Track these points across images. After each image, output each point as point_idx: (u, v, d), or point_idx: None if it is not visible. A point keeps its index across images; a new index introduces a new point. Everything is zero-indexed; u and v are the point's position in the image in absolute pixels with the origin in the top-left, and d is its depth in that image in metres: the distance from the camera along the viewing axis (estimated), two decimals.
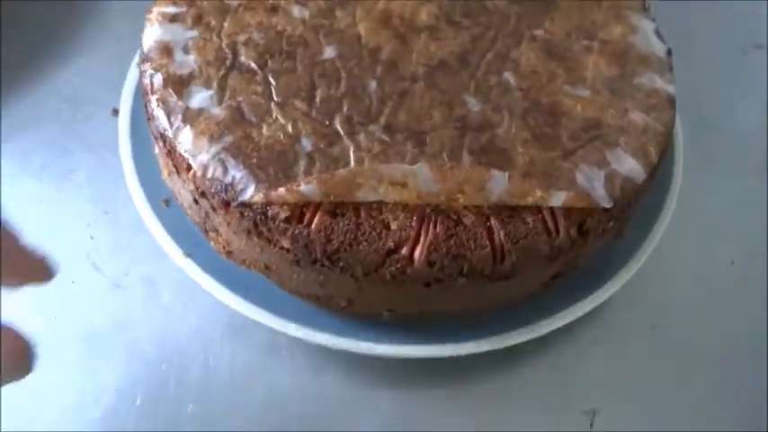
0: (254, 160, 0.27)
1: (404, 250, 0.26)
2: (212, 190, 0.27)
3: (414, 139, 0.27)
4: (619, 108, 0.29)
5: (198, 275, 0.31)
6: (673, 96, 0.30)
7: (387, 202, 0.26)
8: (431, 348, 0.29)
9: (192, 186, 0.28)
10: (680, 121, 0.36)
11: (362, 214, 0.26)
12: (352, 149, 0.27)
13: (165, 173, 0.31)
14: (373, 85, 0.29)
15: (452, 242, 0.26)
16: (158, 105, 0.28)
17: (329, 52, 0.30)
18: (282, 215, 0.26)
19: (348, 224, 0.26)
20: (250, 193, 0.26)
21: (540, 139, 0.28)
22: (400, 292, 0.27)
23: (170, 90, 0.28)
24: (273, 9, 0.31)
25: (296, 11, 0.31)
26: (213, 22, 0.31)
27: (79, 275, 0.35)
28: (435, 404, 0.32)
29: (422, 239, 0.26)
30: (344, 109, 0.28)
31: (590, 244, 0.27)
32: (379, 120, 0.28)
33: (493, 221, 0.26)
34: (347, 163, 0.26)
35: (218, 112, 0.28)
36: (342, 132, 0.28)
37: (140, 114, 0.32)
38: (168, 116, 0.28)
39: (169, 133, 0.28)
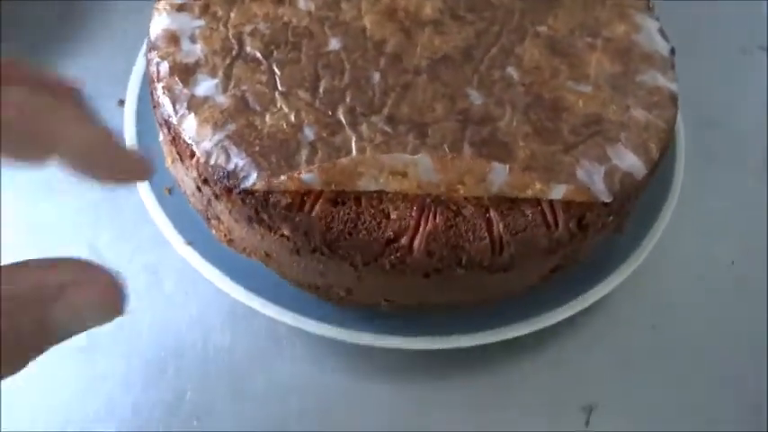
0: (257, 148, 0.27)
1: (403, 240, 0.26)
2: (215, 177, 0.27)
3: (416, 130, 0.28)
4: (620, 104, 0.29)
5: (199, 264, 0.31)
6: (675, 94, 0.30)
7: (387, 191, 0.26)
8: (430, 340, 0.29)
9: (194, 173, 0.28)
10: (681, 120, 0.36)
11: (363, 203, 0.26)
12: (354, 139, 0.27)
13: (168, 160, 0.32)
14: (377, 76, 0.29)
15: (452, 233, 0.26)
16: (164, 93, 0.29)
17: (334, 44, 0.30)
18: (284, 202, 0.26)
19: (348, 213, 0.26)
20: (252, 180, 0.26)
21: (542, 134, 0.28)
22: (399, 282, 0.27)
23: (176, 78, 0.29)
24: (280, 1, 0.32)
25: (302, 3, 0.32)
26: (220, 12, 0.31)
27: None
28: (434, 396, 0.32)
29: (421, 229, 0.26)
30: (348, 100, 0.28)
31: (589, 238, 0.28)
32: (382, 111, 0.28)
33: (492, 213, 0.26)
34: (349, 152, 0.27)
35: (223, 100, 0.28)
36: (344, 122, 0.28)
37: (146, 104, 0.33)
38: (173, 103, 0.28)
39: (173, 120, 0.28)
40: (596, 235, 0.28)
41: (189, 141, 0.28)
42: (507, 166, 0.26)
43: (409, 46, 0.30)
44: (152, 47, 0.30)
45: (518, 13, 0.32)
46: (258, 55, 0.30)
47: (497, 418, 0.32)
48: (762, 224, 0.38)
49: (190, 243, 0.32)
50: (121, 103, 0.36)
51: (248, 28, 0.31)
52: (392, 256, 0.26)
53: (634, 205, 0.30)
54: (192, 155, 0.28)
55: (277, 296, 0.30)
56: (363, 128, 0.28)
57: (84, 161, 0.19)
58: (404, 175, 0.26)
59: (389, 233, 0.26)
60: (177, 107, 0.28)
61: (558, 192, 0.26)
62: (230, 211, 0.28)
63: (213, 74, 0.29)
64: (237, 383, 0.32)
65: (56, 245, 0.36)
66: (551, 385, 0.32)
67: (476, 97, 0.29)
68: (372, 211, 0.26)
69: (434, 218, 0.26)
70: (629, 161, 0.28)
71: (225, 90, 0.29)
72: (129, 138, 0.34)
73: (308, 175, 0.26)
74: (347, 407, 0.32)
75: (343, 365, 0.32)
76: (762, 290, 0.36)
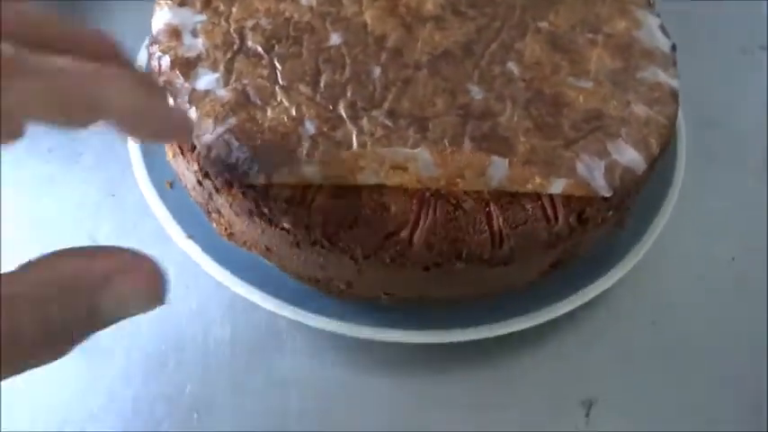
0: (258, 142, 0.27)
1: (403, 233, 0.26)
2: (216, 170, 0.27)
3: (416, 125, 0.28)
4: (621, 100, 0.29)
5: (199, 257, 0.31)
6: (676, 90, 0.30)
7: (387, 185, 0.26)
8: (430, 334, 0.30)
9: (195, 167, 0.28)
10: (682, 118, 0.36)
11: (363, 197, 0.26)
12: (354, 134, 0.27)
13: (169, 154, 0.32)
14: (377, 71, 0.29)
15: (451, 226, 0.26)
16: (165, 87, 0.29)
17: (335, 39, 0.30)
18: (284, 195, 0.26)
19: (349, 206, 0.26)
20: (253, 173, 0.26)
21: (542, 129, 0.28)
22: (399, 275, 0.27)
23: (177, 72, 0.29)
24: None
25: None
26: (222, 7, 0.31)
27: None
28: (434, 390, 0.32)
29: (421, 223, 0.26)
30: (348, 94, 0.29)
31: (589, 232, 0.28)
32: (383, 105, 0.28)
33: (492, 207, 0.26)
34: (350, 147, 0.27)
35: (224, 94, 0.28)
36: (345, 117, 0.28)
37: None
38: (174, 97, 0.28)
39: None
40: (596, 229, 0.28)
41: None
42: (507, 160, 0.26)
43: (410, 41, 0.31)
44: (154, 41, 0.30)
45: (519, 8, 0.32)
46: (259, 49, 0.30)
47: (497, 411, 0.32)
48: (762, 223, 0.38)
49: (190, 237, 0.32)
50: None
51: (250, 23, 0.31)
52: (392, 250, 0.26)
53: (634, 200, 0.30)
54: (193, 148, 0.28)
55: (277, 290, 0.30)
56: (364, 122, 0.28)
57: (131, 122, 0.19)
58: (404, 168, 0.26)
59: (390, 227, 0.26)
60: (178, 101, 0.28)
61: (558, 186, 0.26)
62: (231, 205, 0.28)
63: (214, 68, 0.29)
64: (237, 377, 0.32)
65: (57, 239, 0.36)
66: (551, 379, 0.32)
67: (476, 92, 0.29)
68: (373, 204, 0.26)
69: (434, 211, 0.26)
70: (630, 156, 0.28)
71: (226, 84, 0.29)
72: None
73: (308, 169, 0.26)
74: (347, 401, 0.32)
75: (344, 359, 0.33)
76: (762, 288, 0.36)
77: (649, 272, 0.35)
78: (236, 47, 0.30)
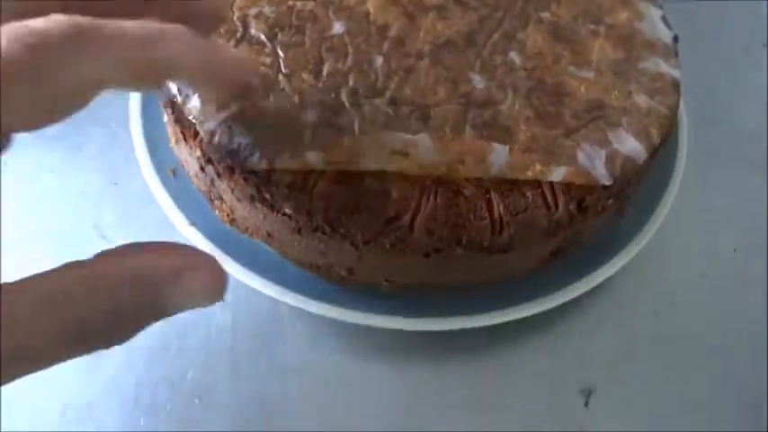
0: (260, 128, 0.27)
1: (404, 219, 0.26)
2: (218, 156, 0.27)
3: (418, 112, 0.28)
4: (623, 90, 0.29)
5: (201, 243, 0.31)
6: (677, 81, 0.30)
7: (389, 171, 0.26)
8: (431, 322, 0.30)
9: (198, 153, 0.28)
10: (685, 114, 0.36)
11: (365, 183, 0.26)
12: (356, 121, 0.27)
13: (172, 140, 0.32)
14: (380, 60, 0.29)
15: (452, 212, 0.26)
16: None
17: (338, 28, 0.30)
18: (286, 181, 0.26)
19: (350, 192, 0.26)
20: (255, 159, 0.26)
21: (543, 118, 0.28)
22: (399, 261, 0.27)
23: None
24: None
25: None
26: None
27: (87, 245, 0.36)
28: (434, 377, 0.32)
29: (422, 209, 0.26)
30: (351, 82, 0.29)
31: (589, 221, 0.28)
32: (385, 94, 0.28)
33: (492, 194, 0.26)
34: (352, 133, 0.27)
35: None
36: (347, 104, 0.28)
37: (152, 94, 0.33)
38: (177, 84, 0.29)
39: (178, 100, 0.28)
40: (596, 218, 0.28)
41: (193, 121, 0.28)
42: (507, 147, 0.26)
43: (412, 30, 0.31)
44: None
45: None
46: (263, 37, 0.30)
47: (496, 399, 0.32)
48: (763, 217, 0.38)
49: (193, 224, 0.32)
50: None
51: (253, 11, 0.31)
52: (393, 235, 0.26)
53: (635, 190, 0.30)
54: (196, 134, 0.28)
55: (278, 276, 0.30)
56: (366, 110, 0.28)
57: (200, 77, 0.21)
58: (405, 154, 0.26)
59: (390, 212, 0.26)
60: (181, 88, 0.28)
61: (559, 174, 0.26)
62: (233, 191, 0.28)
63: None
64: (239, 363, 0.32)
65: (60, 227, 0.36)
66: (550, 368, 0.33)
67: (478, 81, 0.29)
68: (374, 190, 0.26)
69: (435, 198, 0.26)
70: (631, 145, 0.28)
71: None
72: (134, 117, 0.34)
73: (310, 154, 0.26)
74: (347, 387, 0.32)
75: (344, 346, 0.33)
76: (763, 280, 0.36)
77: (650, 263, 0.35)
78: (239, 35, 0.30)
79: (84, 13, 0.18)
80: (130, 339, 0.17)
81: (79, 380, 0.32)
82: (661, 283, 0.36)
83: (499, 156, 0.26)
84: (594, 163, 0.27)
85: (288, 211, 0.27)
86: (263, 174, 0.27)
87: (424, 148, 0.26)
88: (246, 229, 0.31)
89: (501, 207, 0.26)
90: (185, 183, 0.33)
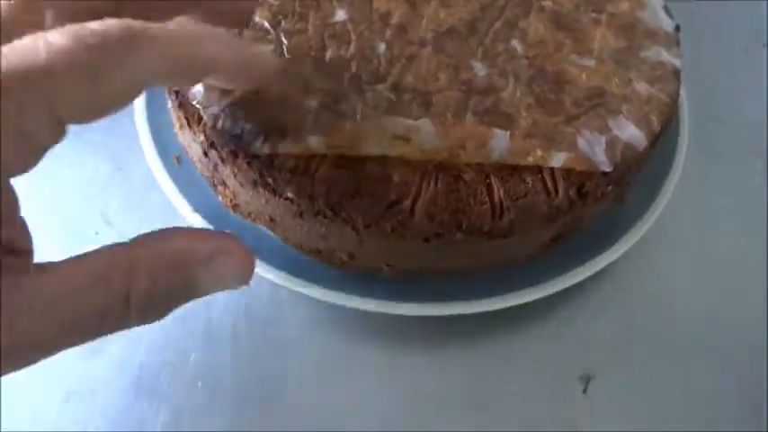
0: (263, 113, 0.27)
1: (405, 203, 0.26)
2: (221, 141, 0.28)
3: (420, 99, 0.28)
4: (623, 78, 0.30)
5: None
6: (678, 69, 0.30)
7: (390, 156, 0.26)
8: (431, 307, 0.30)
9: (201, 138, 0.29)
10: (686, 107, 0.37)
11: (366, 167, 0.26)
12: (359, 107, 0.28)
13: (176, 126, 0.32)
14: (382, 47, 0.30)
15: (452, 197, 0.26)
16: None
17: (340, 15, 0.31)
18: (288, 165, 0.27)
19: (351, 176, 0.26)
20: (258, 143, 0.27)
21: (544, 105, 0.28)
22: (400, 245, 0.28)
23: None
24: None
25: None
26: None
27: (93, 231, 0.36)
28: (433, 362, 0.33)
29: (423, 194, 0.26)
30: (353, 69, 0.29)
31: (589, 207, 0.28)
32: (387, 80, 0.29)
33: (493, 179, 0.27)
34: (354, 118, 0.27)
35: None
36: (349, 90, 0.28)
37: None
38: None
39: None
40: (596, 204, 0.28)
41: (197, 106, 0.28)
42: (508, 133, 0.27)
43: (415, 18, 0.31)
44: None
45: None
46: (266, 24, 0.30)
47: (495, 384, 0.32)
48: (763, 209, 0.39)
49: (196, 209, 0.32)
50: None
51: None
52: (393, 220, 0.26)
53: (635, 177, 0.30)
54: (200, 119, 0.28)
55: (280, 261, 0.31)
56: (368, 96, 0.28)
57: (234, 75, 0.22)
58: (406, 140, 0.26)
59: (391, 196, 0.26)
60: None
61: (559, 159, 0.27)
62: (236, 176, 0.28)
63: None
64: (240, 346, 0.33)
65: (67, 215, 0.37)
66: (550, 354, 0.33)
67: (480, 68, 0.29)
68: (375, 174, 0.26)
69: (436, 182, 0.26)
70: (631, 132, 0.28)
71: None
72: (139, 107, 0.35)
73: (312, 139, 0.26)
74: (347, 371, 0.32)
75: (345, 330, 0.33)
76: (762, 269, 0.36)
77: (651, 251, 0.35)
78: None
79: (130, 11, 0.19)
80: (163, 318, 0.19)
81: (82, 363, 0.32)
82: (661, 271, 0.36)
83: (500, 141, 0.27)
84: (595, 149, 0.27)
85: (290, 195, 0.27)
86: (266, 158, 0.27)
87: (425, 134, 0.27)
88: (249, 214, 0.31)
89: (501, 192, 0.26)
90: (189, 169, 0.33)
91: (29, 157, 0.17)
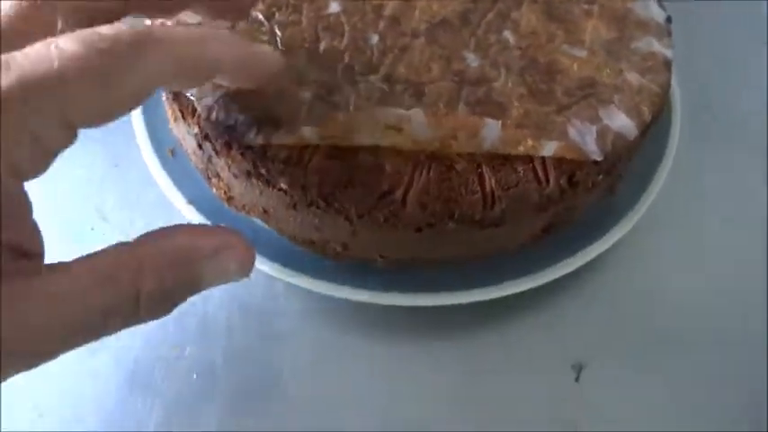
0: (257, 104, 0.27)
1: (397, 193, 0.26)
2: (215, 132, 0.28)
3: (412, 89, 0.28)
4: (614, 68, 0.30)
5: (198, 221, 0.32)
6: (669, 60, 0.31)
7: (383, 146, 0.27)
8: (425, 297, 0.30)
9: (196, 129, 0.29)
10: (678, 96, 0.37)
11: (359, 157, 0.27)
12: (352, 97, 0.28)
13: (171, 119, 0.32)
14: (375, 39, 0.30)
15: (444, 187, 0.26)
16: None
17: (334, 7, 0.31)
18: (282, 156, 0.27)
19: (344, 166, 0.27)
20: (251, 134, 0.27)
21: (536, 95, 0.28)
22: (393, 236, 0.28)
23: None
24: None
25: None
26: None
27: (90, 227, 0.36)
28: (427, 352, 0.33)
29: (415, 183, 0.26)
30: (346, 60, 0.29)
31: (580, 196, 0.28)
32: (380, 71, 0.29)
33: (485, 168, 0.27)
34: (346, 109, 0.27)
35: None
36: (342, 81, 0.28)
37: None
38: None
39: None
40: (587, 194, 0.28)
41: (191, 98, 0.28)
42: (500, 123, 0.27)
43: (408, 10, 0.31)
44: None
45: None
46: (260, 17, 0.30)
47: (489, 375, 0.32)
48: (755, 198, 0.39)
49: (191, 202, 0.32)
50: None
51: None
52: (386, 210, 0.27)
53: (626, 167, 0.31)
54: (194, 111, 0.28)
55: (275, 253, 0.31)
56: (361, 87, 0.28)
57: (238, 75, 0.23)
58: (398, 130, 0.27)
59: (384, 186, 0.26)
60: None
61: (550, 149, 0.27)
62: (230, 167, 0.29)
63: None
64: (235, 339, 0.33)
65: (63, 211, 0.37)
66: (543, 343, 0.33)
67: (472, 59, 0.29)
68: (368, 164, 0.26)
69: (428, 172, 0.26)
70: (621, 122, 0.28)
71: None
72: None
73: (305, 129, 0.26)
74: (342, 362, 0.32)
75: (339, 321, 0.33)
76: (754, 255, 0.36)
77: (643, 241, 0.36)
78: None
79: (136, 8, 0.20)
80: (170, 313, 0.19)
81: (78, 354, 0.32)
82: (653, 261, 0.36)
83: (491, 131, 0.27)
84: (585, 138, 0.27)
85: (283, 185, 0.27)
86: (259, 149, 0.27)
87: (417, 124, 0.27)
88: (243, 206, 0.31)
89: (493, 181, 0.27)
90: (184, 162, 0.34)
91: (41, 162, 0.18)
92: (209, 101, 0.28)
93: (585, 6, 0.32)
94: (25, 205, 0.18)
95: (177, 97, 0.29)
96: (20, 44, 0.17)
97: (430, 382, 0.32)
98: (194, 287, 0.20)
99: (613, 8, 0.32)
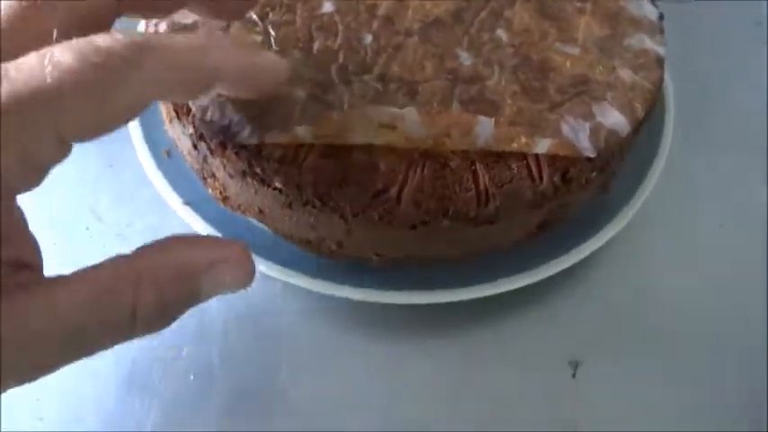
0: (251, 104, 0.27)
1: (391, 191, 0.27)
2: (210, 132, 0.28)
3: (406, 88, 0.28)
4: (607, 66, 0.30)
5: (195, 222, 0.32)
6: (662, 57, 0.31)
7: (377, 144, 0.27)
8: (421, 295, 0.30)
9: (191, 130, 0.29)
10: (672, 90, 0.37)
11: (353, 156, 0.27)
12: (346, 96, 0.28)
13: (166, 120, 0.32)
14: (369, 38, 0.30)
15: (439, 184, 0.27)
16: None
17: (328, 7, 0.31)
18: (276, 155, 0.27)
19: (339, 165, 0.27)
20: (246, 134, 0.27)
21: (529, 92, 0.29)
22: (388, 234, 0.28)
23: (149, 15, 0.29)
24: None
25: None
26: None
27: (85, 228, 0.36)
28: (423, 349, 0.33)
29: (409, 181, 0.27)
30: (340, 59, 0.29)
31: (574, 193, 0.28)
32: (373, 70, 0.29)
33: (478, 166, 0.27)
34: (341, 108, 0.27)
35: None
36: (336, 81, 0.28)
37: None
38: None
39: None
40: (581, 191, 0.29)
41: None
42: (493, 120, 0.27)
43: (401, 9, 0.31)
44: None
45: None
46: (254, 17, 0.30)
47: (485, 371, 0.32)
48: (751, 194, 0.39)
49: (187, 203, 0.32)
50: None
51: None
52: (380, 208, 0.27)
53: (619, 164, 0.31)
54: (189, 111, 0.29)
55: (271, 253, 0.31)
56: (355, 86, 0.28)
57: (239, 85, 0.22)
58: (392, 128, 0.27)
59: (378, 185, 0.26)
60: None
61: (543, 146, 0.27)
62: (225, 167, 0.29)
63: None
64: (231, 339, 0.33)
65: (58, 211, 0.37)
66: (540, 339, 0.33)
67: (465, 58, 0.30)
68: (362, 163, 0.27)
69: (422, 170, 0.27)
70: (614, 119, 0.28)
71: None
72: None
73: (300, 128, 0.27)
74: (339, 360, 0.32)
75: (335, 320, 0.33)
76: (747, 253, 0.36)
77: (638, 238, 0.36)
78: None
79: (133, 7, 0.20)
80: (170, 326, 0.20)
81: (77, 364, 0.32)
82: (648, 258, 0.36)
83: (485, 128, 0.27)
84: (579, 135, 0.27)
85: (278, 185, 0.27)
86: (254, 149, 0.27)
87: (411, 122, 0.27)
88: (239, 206, 0.31)
89: (486, 179, 0.27)
90: (179, 163, 0.34)
91: (33, 176, 0.17)
92: (203, 101, 0.28)
93: (578, 4, 0.32)
94: (20, 219, 0.18)
95: None
96: (16, 45, 0.17)
97: (426, 381, 0.32)
98: (193, 300, 0.20)
99: (606, 6, 0.32)
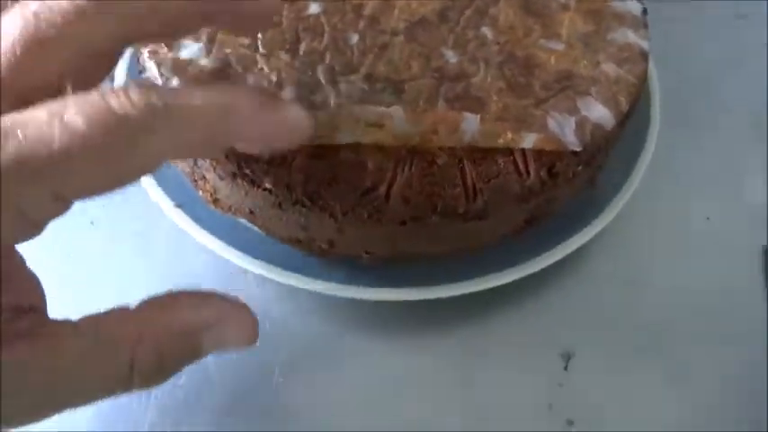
0: None
1: (380, 189, 0.27)
2: None
3: (392, 87, 0.28)
4: (591, 60, 0.30)
5: (187, 225, 0.32)
6: (646, 51, 0.31)
7: (364, 143, 0.27)
8: (412, 291, 0.30)
9: None
10: (657, 78, 0.37)
11: (341, 155, 0.27)
12: (332, 97, 0.28)
13: None
14: (355, 38, 0.30)
15: (427, 181, 0.27)
16: (149, 57, 0.30)
17: (314, 8, 0.31)
18: (266, 156, 0.27)
19: (327, 165, 0.27)
20: None
21: (514, 89, 0.29)
22: (378, 231, 0.28)
23: (161, 43, 0.30)
24: None
25: None
26: None
27: (77, 233, 0.36)
28: (417, 345, 0.33)
29: (397, 179, 0.27)
30: (327, 60, 0.29)
31: (561, 187, 0.29)
32: (360, 70, 0.29)
33: (466, 162, 0.27)
34: (328, 109, 0.28)
35: (206, 62, 0.29)
36: (323, 81, 0.29)
37: (135, 75, 0.34)
38: (158, 67, 0.29)
39: (159, 83, 0.29)
40: (567, 185, 0.29)
41: None
42: (478, 116, 0.27)
43: (387, 9, 0.31)
44: None
45: None
46: None
47: (477, 364, 0.33)
48: (738, 185, 0.39)
49: (179, 206, 0.33)
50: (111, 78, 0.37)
51: None
52: (370, 206, 0.27)
53: (605, 158, 0.31)
54: None
55: (263, 254, 0.31)
56: (342, 86, 0.28)
57: (258, 144, 0.22)
58: (380, 126, 0.27)
59: (367, 183, 0.27)
60: (162, 70, 0.29)
61: (530, 141, 0.27)
62: (215, 169, 0.29)
63: (197, 38, 0.30)
64: None
65: (57, 223, 0.37)
66: (531, 333, 0.33)
67: (451, 56, 0.30)
68: (350, 162, 0.27)
69: (410, 167, 0.27)
70: (599, 113, 0.29)
71: (208, 53, 0.30)
72: None
73: None
74: (333, 358, 0.33)
75: (327, 319, 0.34)
76: (733, 246, 0.37)
77: (626, 231, 0.36)
78: None
79: (149, 23, 0.19)
80: (165, 381, 0.20)
81: None
82: (637, 250, 0.36)
83: (471, 125, 0.27)
84: (564, 130, 0.28)
85: (268, 185, 0.28)
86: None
87: (398, 120, 0.27)
88: (230, 208, 0.31)
89: (474, 174, 0.27)
90: (170, 166, 0.34)
91: (30, 231, 0.17)
92: None
93: (562, 0, 0.32)
94: (18, 264, 0.18)
95: None
96: (20, 87, 0.17)
97: (420, 374, 0.32)
98: (194, 357, 0.20)
99: (590, 1, 0.32)
